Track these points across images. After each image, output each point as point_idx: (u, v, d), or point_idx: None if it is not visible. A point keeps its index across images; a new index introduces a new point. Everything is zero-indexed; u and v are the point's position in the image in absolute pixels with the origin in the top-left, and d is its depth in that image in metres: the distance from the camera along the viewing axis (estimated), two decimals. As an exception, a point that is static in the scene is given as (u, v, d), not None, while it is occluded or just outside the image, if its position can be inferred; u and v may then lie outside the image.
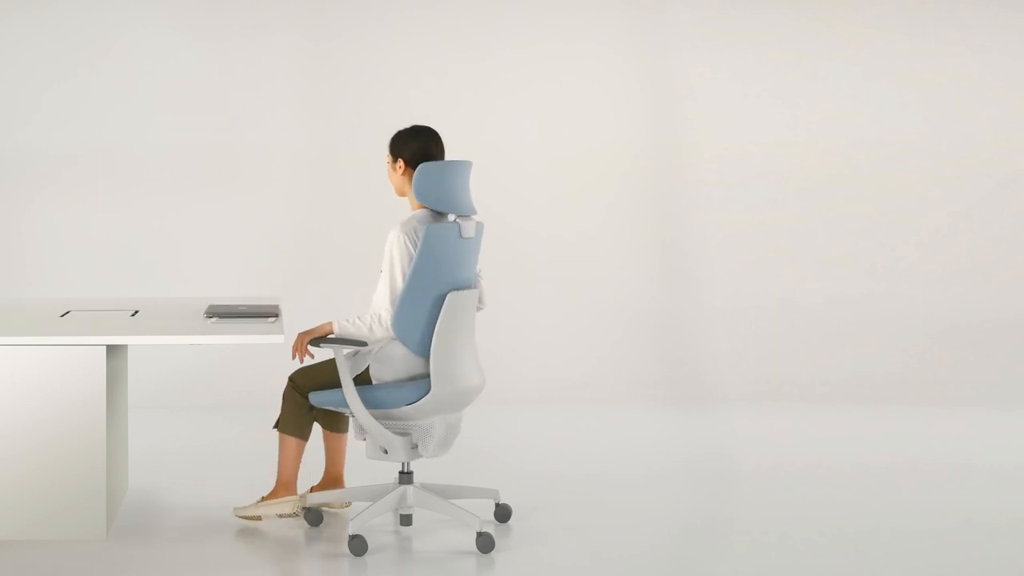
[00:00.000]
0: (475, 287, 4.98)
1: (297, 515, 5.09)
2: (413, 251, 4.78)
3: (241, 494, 5.59)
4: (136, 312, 5.46)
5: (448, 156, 5.13)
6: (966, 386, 8.41)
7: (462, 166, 4.91)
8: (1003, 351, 8.59)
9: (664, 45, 8.67)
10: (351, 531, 4.71)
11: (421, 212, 4.90)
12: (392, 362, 4.83)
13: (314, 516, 5.10)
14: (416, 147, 4.94)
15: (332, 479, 5.31)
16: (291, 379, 5.08)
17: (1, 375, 4.77)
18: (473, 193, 5.07)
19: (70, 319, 5.23)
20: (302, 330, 4.96)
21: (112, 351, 5.03)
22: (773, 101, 8.69)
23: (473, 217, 4.93)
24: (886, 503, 5.55)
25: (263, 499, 5.10)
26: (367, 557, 4.69)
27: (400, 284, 4.78)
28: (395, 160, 4.99)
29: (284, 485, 5.10)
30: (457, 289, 4.84)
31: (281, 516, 5.09)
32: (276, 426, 5.10)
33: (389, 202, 6.08)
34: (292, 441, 5.06)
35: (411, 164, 4.96)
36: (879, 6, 8.72)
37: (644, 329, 8.56)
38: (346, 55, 8.61)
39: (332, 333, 4.85)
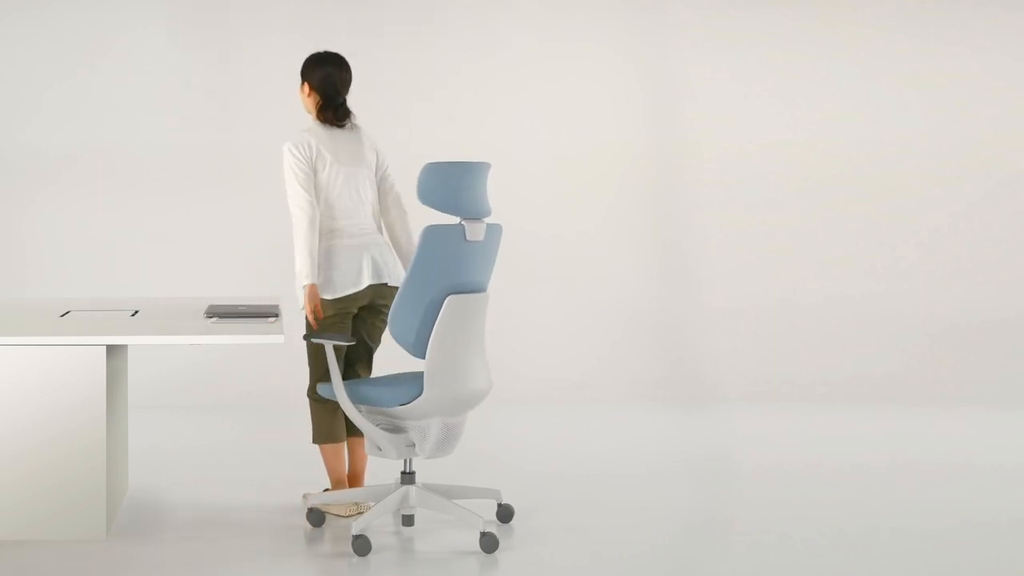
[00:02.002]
0: (484, 291, 4.91)
1: (353, 515, 5.22)
2: (303, 160, 5.24)
3: (241, 494, 5.60)
4: (136, 312, 5.46)
5: (449, 156, 5.13)
6: (966, 386, 8.41)
7: (470, 168, 4.78)
8: (1003, 351, 8.59)
9: (664, 45, 8.67)
10: (354, 531, 4.71)
11: (311, 122, 5.29)
12: (331, 276, 5.07)
13: (316, 516, 5.10)
14: (321, 74, 5.31)
15: (351, 477, 5.43)
16: (308, 392, 5.30)
17: (1, 375, 4.77)
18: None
19: (70, 319, 5.23)
20: (305, 309, 5.12)
21: (112, 351, 5.02)
22: (773, 101, 8.69)
23: (485, 220, 4.83)
24: (886, 503, 5.54)
25: (326, 491, 5.27)
26: (370, 557, 4.69)
27: (298, 187, 5.22)
28: (302, 83, 5.37)
29: (336, 485, 5.33)
30: (459, 293, 4.78)
31: (341, 516, 5.23)
32: (313, 440, 5.35)
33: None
34: (327, 448, 5.30)
35: (315, 88, 5.33)
36: (879, 6, 8.72)
37: (644, 329, 8.56)
38: (346, 55, 8.58)
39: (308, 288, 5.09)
